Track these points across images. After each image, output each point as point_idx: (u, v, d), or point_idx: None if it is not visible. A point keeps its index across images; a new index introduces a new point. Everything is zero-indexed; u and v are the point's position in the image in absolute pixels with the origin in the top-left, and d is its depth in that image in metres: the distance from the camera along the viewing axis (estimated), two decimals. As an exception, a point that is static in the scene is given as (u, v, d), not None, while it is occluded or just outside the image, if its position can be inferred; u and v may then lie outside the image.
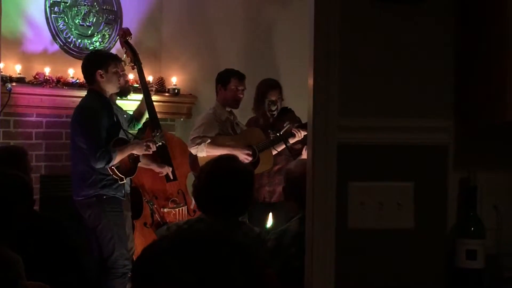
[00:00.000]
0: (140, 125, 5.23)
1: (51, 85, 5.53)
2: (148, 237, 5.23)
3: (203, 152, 5.04)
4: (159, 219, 5.27)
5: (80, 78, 5.44)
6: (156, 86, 5.83)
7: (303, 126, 4.95)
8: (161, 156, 5.19)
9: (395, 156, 2.20)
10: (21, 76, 5.41)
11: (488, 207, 2.26)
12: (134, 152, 4.76)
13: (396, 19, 2.20)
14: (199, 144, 5.05)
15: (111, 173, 4.63)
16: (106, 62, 4.74)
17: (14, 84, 5.28)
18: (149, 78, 6.14)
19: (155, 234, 5.23)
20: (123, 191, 4.74)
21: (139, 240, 5.16)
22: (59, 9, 5.86)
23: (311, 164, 2.20)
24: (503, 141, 2.26)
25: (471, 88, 2.20)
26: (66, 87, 5.61)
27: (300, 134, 5.07)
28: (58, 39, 5.85)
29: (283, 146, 5.14)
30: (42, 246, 3.27)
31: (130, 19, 6.33)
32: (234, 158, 3.37)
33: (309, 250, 2.21)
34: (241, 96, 5.28)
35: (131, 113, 5.22)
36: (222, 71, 5.36)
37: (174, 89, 6.56)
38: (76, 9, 5.99)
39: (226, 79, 5.29)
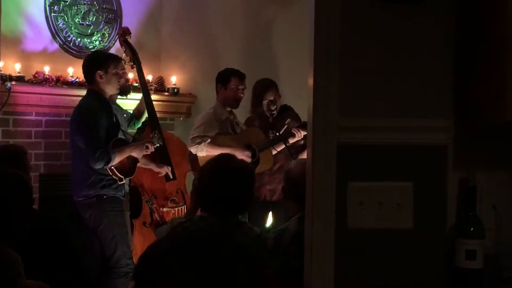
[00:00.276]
0: (139, 124, 5.23)
1: (50, 84, 5.52)
2: (148, 237, 5.23)
3: (203, 152, 5.04)
4: (158, 219, 5.27)
5: (80, 77, 5.44)
6: (156, 86, 5.82)
7: (303, 126, 4.94)
8: (160, 156, 5.19)
9: (395, 156, 2.21)
10: (21, 75, 5.40)
11: (487, 207, 2.26)
12: (133, 154, 4.75)
13: (396, 19, 2.20)
14: (199, 143, 5.05)
15: (111, 174, 4.63)
16: (106, 63, 4.74)
17: (13, 82, 5.27)
18: (149, 77, 6.14)
19: (154, 234, 5.23)
20: (123, 191, 4.74)
21: (138, 240, 5.15)
22: (59, 8, 5.86)
23: (311, 164, 2.20)
24: (502, 141, 2.26)
25: (471, 88, 2.20)
26: (66, 86, 5.60)
27: (300, 134, 5.07)
28: (57, 38, 5.85)
29: (283, 146, 5.14)
30: (41, 245, 3.26)
31: (130, 18, 6.32)
32: (234, 156, 3.37)
33: (308, 249, 2.21)
34: (242, 95, 5.28)
35: (131, 111, 5.22)
36: (222, 71, 5.36)
37: (173, 88, 6.56)
38: (76, 8, 5.99)
39: (227, 79, 5.29)
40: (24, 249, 2.92)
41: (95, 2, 6.13)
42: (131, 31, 5.32)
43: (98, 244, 4.70)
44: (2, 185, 3.10)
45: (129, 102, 5.45)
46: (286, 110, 5.29)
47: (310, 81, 2.20)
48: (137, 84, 5.56)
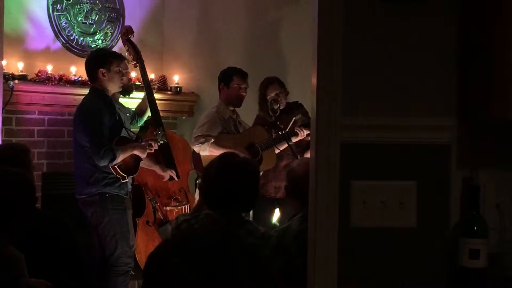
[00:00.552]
0: (142, 122, 5.24)
1: (53, 83, 5.52)
2: (151, 235, 5.24)
3: (206, 151, 5.05)
4: (161, 217, 5.27)
5: (83, 76, 5.44)
6: (158, 84, 5.82)
7: (306, 125, 4.94)
8: (163, 155, 5.19)
9: (398, 155, 2.20)
10: (24, 73, 5.40)
11: (491, 206, 2.26)
12: (136, 153, 4.76)
13: (398, 19, 2.20)
14: (202, 143, 5.06)
15: (114, 172, 4.63)
16: (108, 61, 4.74)
17: (16, 81, 5.27)
18: (151, 76, 6.14)
19: (157, 232, 5.23)
20: (125, 189, 4.74)
21: (142, 238, 5.16)
22: (62, 7, 5.86)
23: (314, 162, 2.20)
24: (506, 140, 2.26)
25: (473, 87, 2.20)
26: (68, 85, 5.60)
27: (303, 133, 5.07)
28: (60, 36, 5.85)
29: (286, 145, 5.13)
30: (43, 244, 3.26)
31: (133, 17, 6.32)
32: (238, 155, 3.38)
33: (311, 248, 2.21)
34: (244, 94, 5.28)
35: (133, 110, 5.22)
36: (224, 70, 5.37)
37: (176, 87, 6.55)
38: (78, 7, 5.99)
39: (229, 78, 5.29)
40: (26, 247, 2.92)
41: (97, 1, 6.13)
42: (134, 30, 5.32)
43: (99, 243, 4.71)
44: (5, 184, 3.10)
45: (132, 101, 5.45)
46: (297, 107, 5.27)
47: (314, 80, 2.20)
48: (139, 83, 5.56)
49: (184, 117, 6.72)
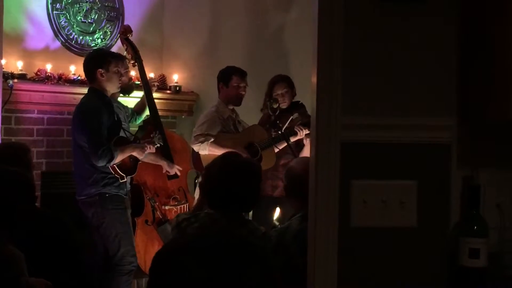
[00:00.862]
0: (140, 120, 5.24)
1: (52, 82, 5.52)
2: (150, 235, 5.24)
3: (205, 150, 5.04)
4: (160, 217, 5.27)
5: (82, 75, 5.43)
6: (158, 83, 5.82)
7: (305, 124, 4.94)
8: (162, 154, 5.19)
9: (398, 154, 2.21)
10: (23, 72, 5.40)
11: (491, 206, 2.26)
12: (134, 154, 4.75)
13: (398, 19, 2.20)
14: (202, 142, 5.05)
15: (113, 172, 4.63)
16: (107, 61, 4.74)
17: (15, 80, 5.27)
18: (151, 75, 6.14)
19: (156, 232, 5.23)
20: (125, 189, 4.74)
21: (141, 238, 5.15)
22: (61, 6, 5.86)
23: (314, 162, 2.20)
24: (506, 140, 2.26)
25: (474, 87, 2.20)
26: (68, 84, 5.60)
27: (302, 133, 5.07)
28: (59, 35, 5.85)
29: (285, 144, 5.13)
30: (43, 243, 3.26)
31: (132, 16, 6.32)
32: (240, 154, 3.39)
33: (311, 248, 2.21)
34: (243, 93, 5.28)
35: (131, 108, 5.22)
36: (223, 69, 5.36)
37: (175, 86, 6.55)
38: (78, 6, 5.99)
39: (228, 77, 5.29)
40: (26, 247, 2.92)
41: (97, 0, 6.13)
42: (133, 29, 5.31)
43: (101, 242, 4.71)
44: (4, 183, 3.10)
45: (131, 100, 5.45)
46: (297, 107, 5.26)
47: (314, 80, 2.20)
48: (138, 82, 5.56)
49: (183, 116, 6.72)
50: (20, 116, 5.43)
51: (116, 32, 6.21)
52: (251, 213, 4.55)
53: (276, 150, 5.21)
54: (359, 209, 2.18)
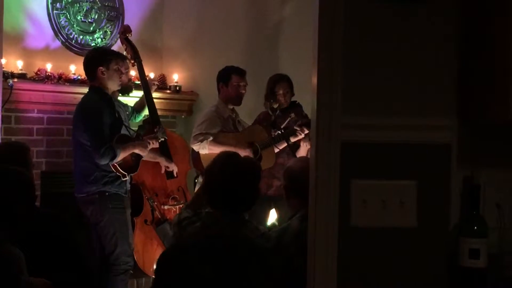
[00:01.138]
0: (140, 117, 5.24)
1: (52, 81, 5.52)
2: (149, 234, 5.24)
3: (205, 150, 5.04)
4: (159, 216, 5.27)
5: (82, 74, 5.44)
6: (158, 83, 5.82)
7: (306, 124, 4.94)
8: (162, 153, 5.19)
9: (398, 154, 2.20)
10: (23, 72, 5.40)
11: (491, 206, 2.26)
12: (136, 151, 4.76)
13: (398, 19, 2.20)
14: (201, 141, 5.05)
15: (114, 170, 4.63)
16: (107, 59, 4.75)
17: (15, 80, 5.27)
18: (151, 75, 6.14)
19: (155, 231, 5.23)
20: (125, 188, 4.74)
21: (139, 238, 5.16)
22: (61, 5, 5.86)
23: (314, 161, 2.20)
24: (506, 140, 2.26)
25: (474, 87, 2.20)
26: (68, 84, 5.60)
27: (302, 133, 5.06)
28: (60, 35, 5.85)
29: (285, 144, 5.14)
30: (42, 243, 3.26)
31: (132, 15, 6.32)
32: (238, 154, 3.39)
33: (311, 248, 2.21)
34: (244, 92, 5.28)
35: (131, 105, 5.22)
36: (222, 69, 5.37)
37: (175, 86, 6.55)
38: (78, 5, 5.99)
39: (227, 76, 5.29)
40: (26, 246, 2.92)
41: (97, 0, 6.13)
42: (133, 28, 5.31)
43: (98, 241, 4.70)
44: (4, 183, 3.10)
45: (131, 100, 5.45)
46: (294, 107, 5.26)
47: (314, 80, 2.20)
48: (138, 82, 5.56)
49: (183, 116, 6.72)
50: (20, 115, 5.43)
51: (116, 32, 6.21)
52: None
53: (276, 150, 5.21)
54: (359, 209, 2.18)
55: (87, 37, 6.07)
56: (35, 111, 5.54)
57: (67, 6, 5.90)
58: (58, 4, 5.83)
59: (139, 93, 5.39)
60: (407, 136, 2.20)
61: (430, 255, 2.22)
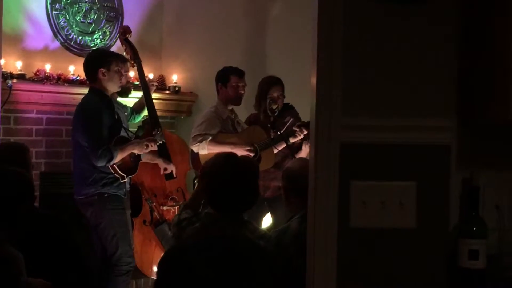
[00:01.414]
0: (139, 118, 5.24)
1: (51, 82, 5.51)
2: (147, 235, 5.24)
3: (205, 150, 5.04)
4: (158, 217, 5.27)
5: (81, 75, 5.44)
6: (157, 84, 5.82)
7: (306, 125, 4.94)
8: (161, 155, 5.19)
9: (398, 155, 2.21)
10: (22, 72, 5.39)
11: (490, 207, 2.26)
12: (135, 151, 4.76)
13: (398, 19, 2.20)
14: (200, 141, 5.05)
15: (113, 172, 4.63)
16: (108, 60, 4.75)
17: (14, 80, 5.26)
18: (150, 75, 6.14)
19: (154, 232, 5.23)
20: (124, 189, 4.74)
21: (138, 238, 5.15)
22: (60, 6, 5.85)
23: (313, 162, 2.20)
24: (506, 141, 2.26)
25: (474, 88, 2.20)
26: (67, 84, 5.59)
27: (301, 134, 5.07)
28: (59, 36, 5.84)
29: (284, 145, 5.14)
30: (42, 244, 3.26)
31: (131, 16, 6.32)
32: (236, 154, 3.39)
33: (310, 249, 2.21)
34: (243, 92, 5.29)
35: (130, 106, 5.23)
36: (220, 70, 5.37)
37: (174, 87, 6.55)
38: (77, 6, 5.98)
39: (226, 77, 5.29)
40: (25, 247, 2.92)
41: (96, 0, 6.13)
42: (133, 29, 5.31)
43: (99, 242, 4.71)
44: (3, 183, 3.10)
45: (130, 101, 5.45)
46: (288, 109, 5.28)
47: (313, 81, 2.20)
48: (137, 83, 5.56)
49: (182, 117, 6.72)
50: (19, 116, 5.43)
51: (115, 33, 6.21)
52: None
53: (275, 151, 5.21)
54: (359, 210, 2.18)
55: (86, 37, 6.06)
56: (34, 111, 5.54)
57: (66, 7, 5.90)
58: (57, 4, 5.82)
59: (138, 94, 5.39)
60: (406, 137, 2.20)
61: (430, 256, 2.22)
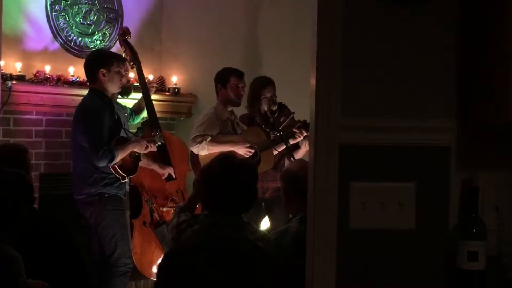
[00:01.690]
0: (139, 119, 5.24)
1: (51, 83, 5.52)
2: (147, 236, 5.23)
3: (205, 150, 5.04)
4: (158, 218, 5.27)
5: (81, 76, 5.44)
6: (157, 85, 5.83)
7: (305, 126, 4.94)
8: (161, 156, 5.19)
9: (397, 156, 2.20)
10: (22, 74, 5.39)
11: (490, 208, 2.26)
12: (135, 150, 4.76)
13: (398, 20, 2.20)
14: (200, 142, 5.05)
15: (113, 172, 4.63)
16: (109, 61, 4.75)
17: (14, 82, 5.26)
18: (149, 77, 6.14)
19: (154, 233, 5.23)
20: (124, 190, 4.74)
21: (138, 239, 5.15)
22: (60, 7, 5.85)
23: (313, 164, 2.20)
24: (505, 142, 2.26)
25: (473, 89, 2.20)
26: (67, 86, 5.60)
27: (301, 135, 5.07)
28: (58, 37, 5.85)
29: (284, 146, 5.14)
30: (41, 245, 3.26)
31: (131, 17, 6.32)
32: (235, 155, 3.38)
33: (310, 250, 2.21)
34: (242, 93, 5.29)
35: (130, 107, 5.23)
36: (219, 71, 5.37)
37: (174, 88, 6.56)
38: (77, 7, 5.98)
39: (225, 78, 5.29)
40: (24, 248, 2.92)
41: (96, 2, 6.13)
42: (132, 30, 5.32)
43: (98, 243, 4.70)
44: (3, 184, 3.10)
45: (130, 102, 5.45)
46: (282, 109, 5.28)
47: (313, 82, 2.20)
48: (137, 84, 5.56)
49: (182, 118, 6.72)
50: (18, 117, 5.43)
51: (115, 34, 6.21)
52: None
53: (275, 152, 5.22)
54: (358, 211, 2.18)
55: (86, 39, 6.06)
56: (34, 113, 5.54)
57: (66, 8, 5.90)
58: (57, 6, 5.82)
59: (138, 95, 5.39)
60: (406, 138, 2.20)
61: (429, 257, 2.22)
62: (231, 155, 3.40)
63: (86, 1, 6.05)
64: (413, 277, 2.21)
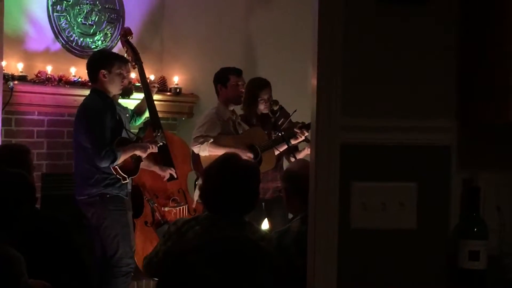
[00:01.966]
0: (140, 121, 5.24)
1: (53, 84, 5.53)
2: (149, 236, 5.23)
3: (205, 152, 5.04)
4: (159, 218, 5.28)
5: (82, 76, 5.46)
6: (158, 85, 5.83)
7: (306, 126, 4.95)
8: (162, 156, 5.19)
9: (398, 156, 2.20)
10: (23, 74, 5.40)
11: (491, 208, 2.25)
12: (137, 153, 4.76)
13: (397, 20, 2.20)
14: (201, 143, 5.05)
15: (114, 173, 4.64)
16: (110, 62, 4.75)
17: (16, 82, 5.27)
18: (151, 77, 6.15)
19: (156, 233, 5.23)
20: (125, 190, 4.75)
21: (140, 239, 5.15)
22: (62, 8, 5.86)
23: (314, 163, 2.20)
24: (506, 142, 2.26)
25: (473, 89, 2.20)
26: (68, 86, 5.61)
27: (302, 136, 5.08)
28: (60, 37, 5.85)
29: (285, 146, 5.15)
30: (43, 245, 3.27)
31: (132, 18, 6.33)
32: (239, 156, 3.38)
33: (311, 250, 2.21)
34: (243, 90, 5.29)
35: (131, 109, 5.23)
36: (218, 71, 5.37)
37: (175, 88, 6.56)
38: (78, 7, 5.99)
39: (225, 77, 5.29)
40: (26, 248, 2.92)
41: (97, 2, 6.14)
42: (134, 31, 5.32)
43: (99, 243, 4.71)
44: (5, 185, 3.10)
45: (131, 102, 5.45)
46: (279, 110, 5.30)
47: (313, 82, 2.20)
48: (139, 84, 5.57)
49: (183, 118, 6.73)
50: (20, 118, 5.44)
51: (116, 34, 6.21)
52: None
53: (277, 152, 5.22)
54: (359, 211, 2.18)
55: (88, 39, 6.07)
56: (36, 113, 5.55)
57: (67, 9, 5.91)
58: (58, 6, 5.83)
59: (140, 96, 5.40)
60: (406, 138, 2.20)
61: (430, 257, 2.22)
62: (235, 155, 3.39)
63: (88, 2, 6.05)
64: (414, 277, 2.21)
